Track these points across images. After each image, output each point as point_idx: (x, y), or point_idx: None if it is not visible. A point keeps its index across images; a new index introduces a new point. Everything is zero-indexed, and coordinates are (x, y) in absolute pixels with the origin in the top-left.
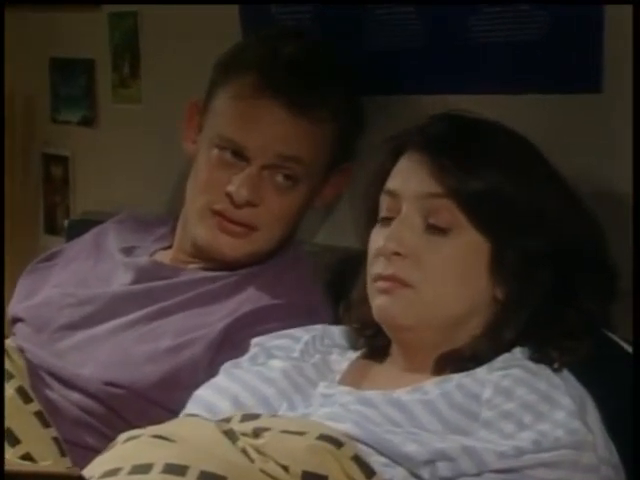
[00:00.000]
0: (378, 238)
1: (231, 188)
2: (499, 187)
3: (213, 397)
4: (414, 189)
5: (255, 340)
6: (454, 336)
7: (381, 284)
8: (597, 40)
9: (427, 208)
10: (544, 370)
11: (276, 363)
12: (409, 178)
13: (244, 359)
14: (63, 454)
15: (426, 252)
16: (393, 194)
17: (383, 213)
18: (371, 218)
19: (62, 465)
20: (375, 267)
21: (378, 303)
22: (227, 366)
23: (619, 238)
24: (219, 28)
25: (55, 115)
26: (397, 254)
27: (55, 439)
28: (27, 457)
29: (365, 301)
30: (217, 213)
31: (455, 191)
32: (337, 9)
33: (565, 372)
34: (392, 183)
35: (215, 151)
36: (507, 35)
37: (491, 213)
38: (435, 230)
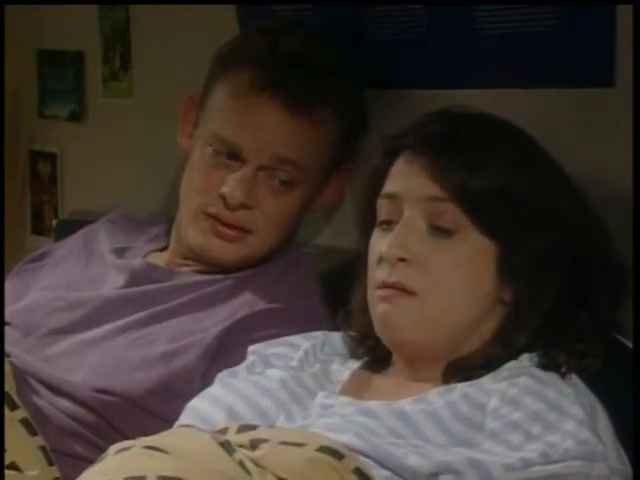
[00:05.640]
0: (380, 243)
1: (225, 190)
2: (503, 186)
3: (208, 408)
4: (416, 192)
5: (252, 348)
6: (463, 343)
7: (383, 292)
8: (609, 32)
9: (430, 210)
10: (553, 378)
11: (274, 373)
12: (409, 180)
13: (240, 368)
14: (51, 463)
15: (433, 256)
16: (393, 197)
17: (383, 216)
18: (369, 223)
19: (50, 475)
20: (378, 273)
21: (379, 311)
22: (223, 375)
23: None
24: (215, 18)
25: (42, 110)
26: (402, 260)
27: (42, 448)
28: (13, 466)
29: (365, 311)
30: (211, 216)
31: (458, 193)
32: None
33: (575, 378)
34: (391, 186)
35: (210, 150)
36: (518, 27)
37: (496, 214)
38: (440, 232)
